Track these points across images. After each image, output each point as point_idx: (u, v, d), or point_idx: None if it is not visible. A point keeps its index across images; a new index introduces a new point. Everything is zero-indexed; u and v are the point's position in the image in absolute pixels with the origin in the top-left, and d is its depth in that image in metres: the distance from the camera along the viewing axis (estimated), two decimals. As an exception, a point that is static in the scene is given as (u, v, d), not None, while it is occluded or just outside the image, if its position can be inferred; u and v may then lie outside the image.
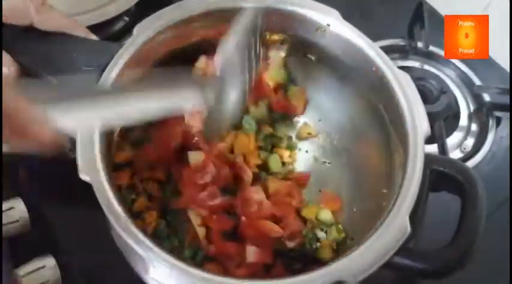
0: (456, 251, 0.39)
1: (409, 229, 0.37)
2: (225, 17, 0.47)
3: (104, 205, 0.37)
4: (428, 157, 0.42)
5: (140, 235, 0.36)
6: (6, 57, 0.44)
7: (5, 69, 0.44)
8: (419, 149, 0.41)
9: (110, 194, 0.38)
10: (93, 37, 0.47)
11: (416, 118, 0.43)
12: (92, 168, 0.38)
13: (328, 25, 0.48)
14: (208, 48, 0.49)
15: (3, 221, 0.48)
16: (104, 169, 0.39)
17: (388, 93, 0.45)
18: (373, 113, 0.50)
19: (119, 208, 0.37)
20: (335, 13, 0.49)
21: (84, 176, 0.38)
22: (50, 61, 0.44)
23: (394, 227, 0.37)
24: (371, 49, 0.47)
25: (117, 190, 0.40)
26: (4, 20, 0.43)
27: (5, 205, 0.48)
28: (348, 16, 0.48)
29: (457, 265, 0.39)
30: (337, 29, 0.49)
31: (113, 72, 0.43)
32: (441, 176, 0.43)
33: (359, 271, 0.36)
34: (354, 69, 0.50)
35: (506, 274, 0.51)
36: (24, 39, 0.44)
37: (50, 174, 0.53)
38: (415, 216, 0.39)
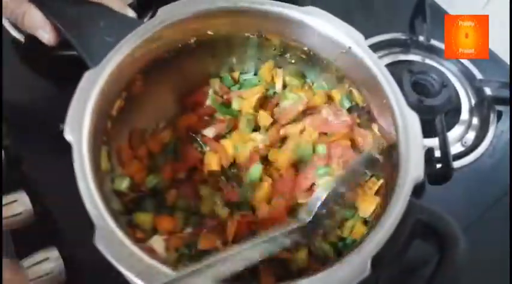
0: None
1: (368, 270, 0.35)
2: (246, 13, 0.48)
3: (76, 163, 0.38)
4: (414, 205, 0.39)
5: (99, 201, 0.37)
6: (46, 22, 0.47)
7: (44, 34, 0.47)
8: (404, 194, 0.39)
9: (86, 156, 0.39)
10: (129, 11, 0.49)
11: (411, 163, 0.40)
12: (77, 129, 0.39)
13: (350, 47, 0.47)
14: (226, 43, 0.51)
15: (7, 214, 0.48)
16: (89, 131, 0.39)
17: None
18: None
19: (88, 167, 0.38)
20: (359, 36, 0.47)
21: (67, 136, 0.39)
22: (78, 26, 0.46)
23: (353, 265, 0.36)
24: (387, 83, 0.45)
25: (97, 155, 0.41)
26: None
27: (8, 198, 0.49)
28: (349, 10, 0.48)
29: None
30: (356, 52, 0.47)
31: (123, 48, 0.43)
32: (423, 226, 0.40)
33: None
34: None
35: (507, 265, 0.51)
36: (61, 2, 0.47)
37: (53, 167, 0.53)
38: (382, 260, 0.37)
